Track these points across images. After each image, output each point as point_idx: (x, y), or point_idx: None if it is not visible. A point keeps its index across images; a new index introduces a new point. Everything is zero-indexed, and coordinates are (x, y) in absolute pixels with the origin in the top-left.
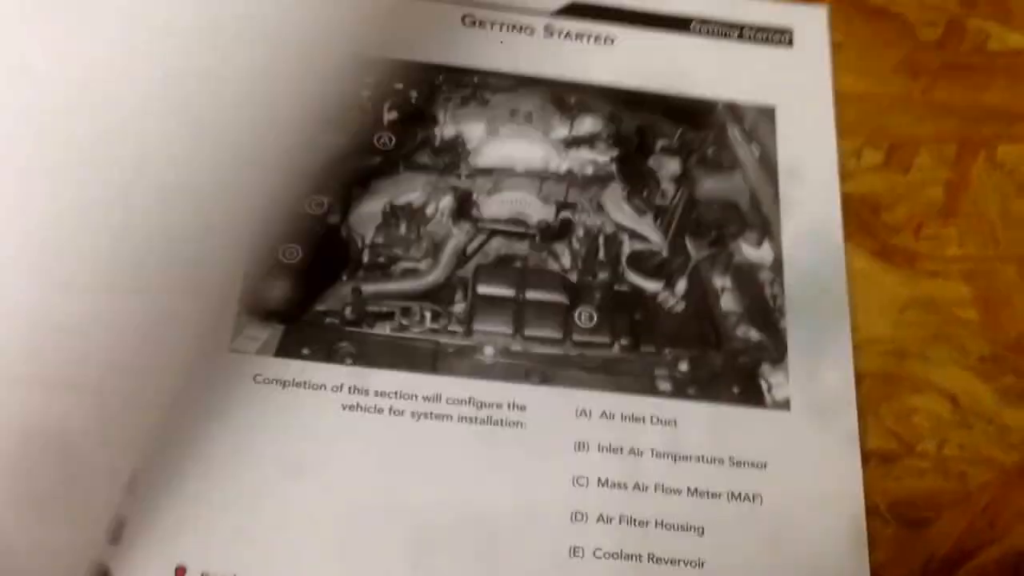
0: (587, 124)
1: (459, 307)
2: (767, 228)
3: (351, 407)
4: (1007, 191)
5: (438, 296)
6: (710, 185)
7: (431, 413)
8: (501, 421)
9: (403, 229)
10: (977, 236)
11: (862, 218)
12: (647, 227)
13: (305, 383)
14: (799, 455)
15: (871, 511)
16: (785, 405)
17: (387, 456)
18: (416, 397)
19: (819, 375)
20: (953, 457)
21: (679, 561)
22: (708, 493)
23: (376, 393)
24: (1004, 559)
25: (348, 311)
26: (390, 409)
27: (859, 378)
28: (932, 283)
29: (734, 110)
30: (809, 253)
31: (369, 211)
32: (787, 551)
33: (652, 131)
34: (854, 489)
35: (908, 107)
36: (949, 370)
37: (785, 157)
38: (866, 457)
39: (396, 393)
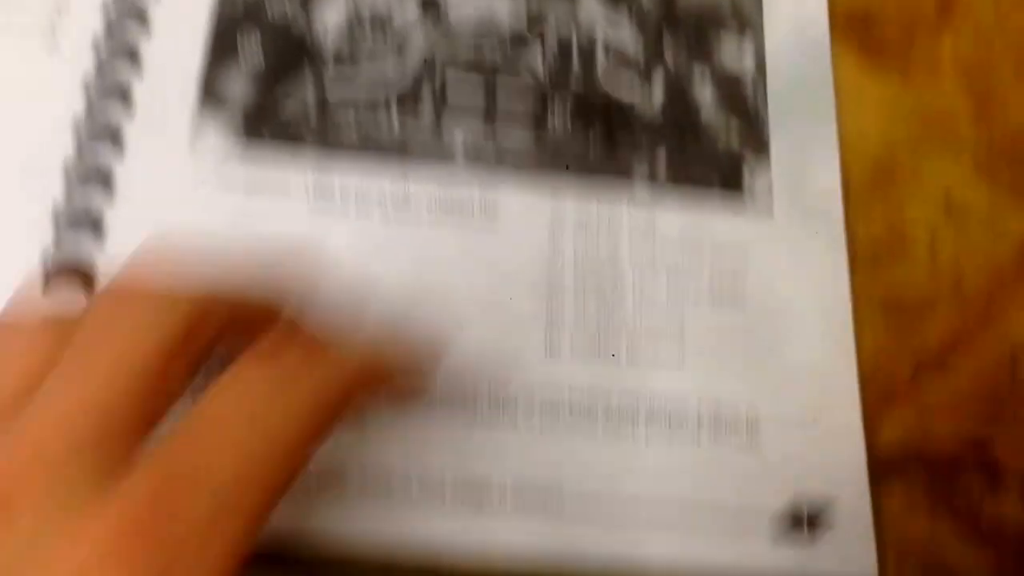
0: None
1: (427, 109)
2: (750, 31)
3: (317, 207)
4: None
5: (404, 102)
6: None
7: (399, 211)
8: (472, 219)
9: (368, 32)
10: (971, 31)
11: (852, 19)
12: (624, 31)
13: (269, 181)
14: (782, 258)
15: (860, 310)
16: (768, 209)
17: (356, 254)
18: (383, 194)
19: (804, 178)
20: (945, 255)
21: (657, 359)
22: (686, 294)
23: (342, 192)
24: (999, 353)
25: (312, 115)
26: (355, 208)
27: (848, 180)
28: (924, 80)
29: None
30: (794, 55)
31: (334, 15)
32: (771, 353)
33: None
34: (840, 288)
35: None
36: (942, 166)
37: None
38: (855, 256)
39: (362, 191)
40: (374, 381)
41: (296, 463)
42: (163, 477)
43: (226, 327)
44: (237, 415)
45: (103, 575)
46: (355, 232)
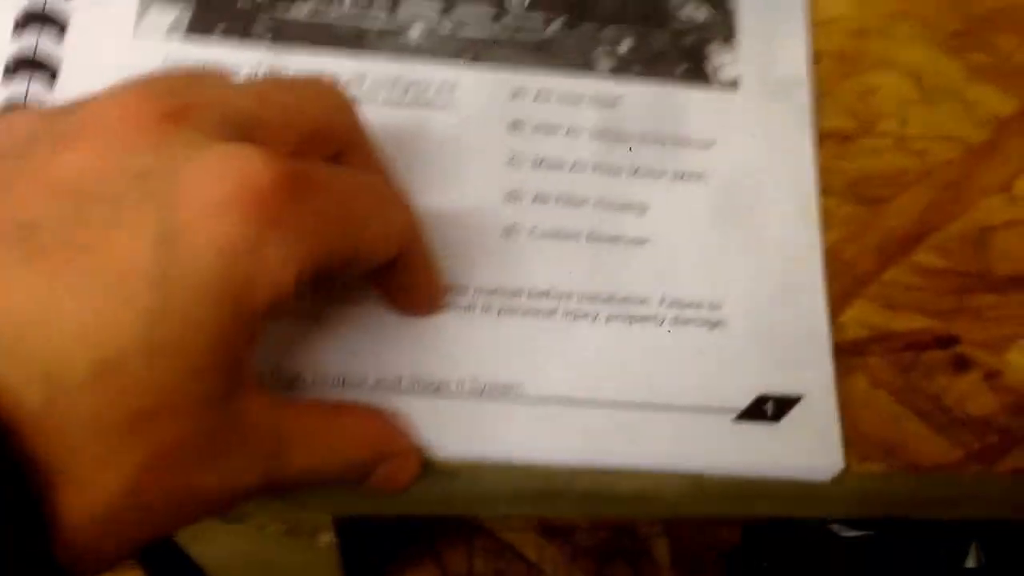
0: None
1: None
2: None
3: None
4: None
5: None
6: None
7: (355, 96)
8: (430, 103)
9: None
10: None
11: None
12: None
13: (219, 66)
14: (747, 134)
15: (827, 190)
16: (733, 85)
17: None
18: (339, 79)
19: (771, 54)
20: (915, 136)
21: (619, 239)
22: (651, 172)
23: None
24: (966, 234)
25: None
26: None
27: (817, 56)
28: None
29: None
30: None
31: None
32: (735, 229)
33: None
34: (806, 167)
35: None
36: (914, 46)
37: None
38: (823, 137)
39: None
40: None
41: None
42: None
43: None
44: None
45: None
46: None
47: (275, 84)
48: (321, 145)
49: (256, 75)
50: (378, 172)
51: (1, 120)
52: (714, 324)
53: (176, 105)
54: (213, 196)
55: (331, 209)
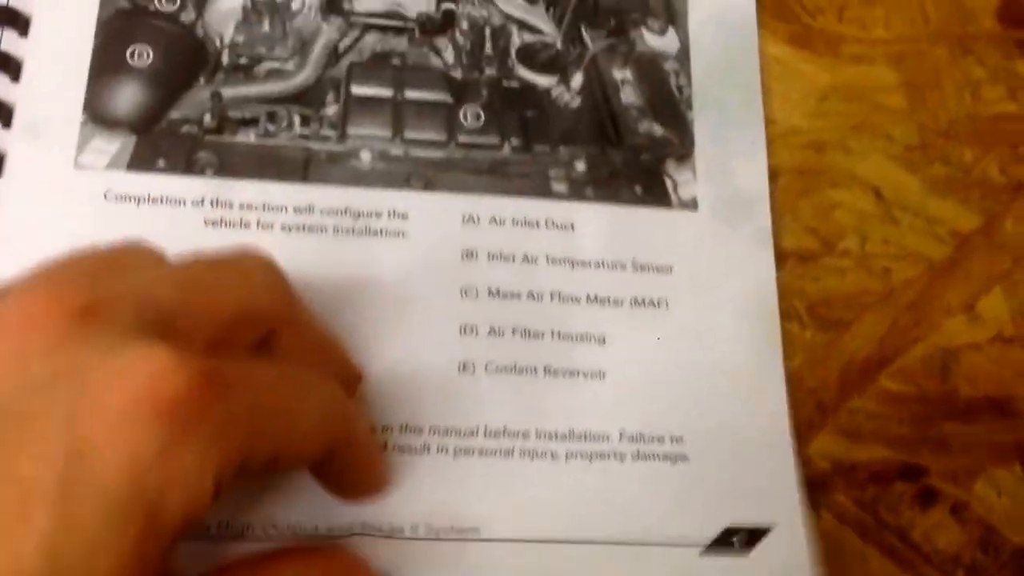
0: None
1: (331, 110)
2: (672, 13)
3: (214, 223)
4: None
5: (308, 99)
6: None
7: (303, 226)
8: (381, 231)
9: (266, 26)
10: (905, 14)
11: (778, 1)
12: (539, 16)
13: (162, 198)
14: (707, 257)
15: (788, 314)
16: (692, 204)
17: None
18: (286, 209)
19: (729, 171)
20: (877, 253)
21: (579, 373)
22: (609, 300)
23: (241, 206)
24: (930, 359)
25: (207, 118)
26: (257, 223)
27: (775, 173)
28: (855, 69)
29: None
30: (718, 39)
31: (227, 7)
32: (696, 358)
33: None
34: (768, 291)
35: None
36: (873, 161)
37: None
38: (783, 257)
39: (264, 205)
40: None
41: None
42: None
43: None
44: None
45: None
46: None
47: (200, 264)
48: (248, 328)
49: (192, 244)
50: (314, 349)
51: None
52: (676, 458)
53: (86, 301)
54: (120, 404)
55: (251, 408)
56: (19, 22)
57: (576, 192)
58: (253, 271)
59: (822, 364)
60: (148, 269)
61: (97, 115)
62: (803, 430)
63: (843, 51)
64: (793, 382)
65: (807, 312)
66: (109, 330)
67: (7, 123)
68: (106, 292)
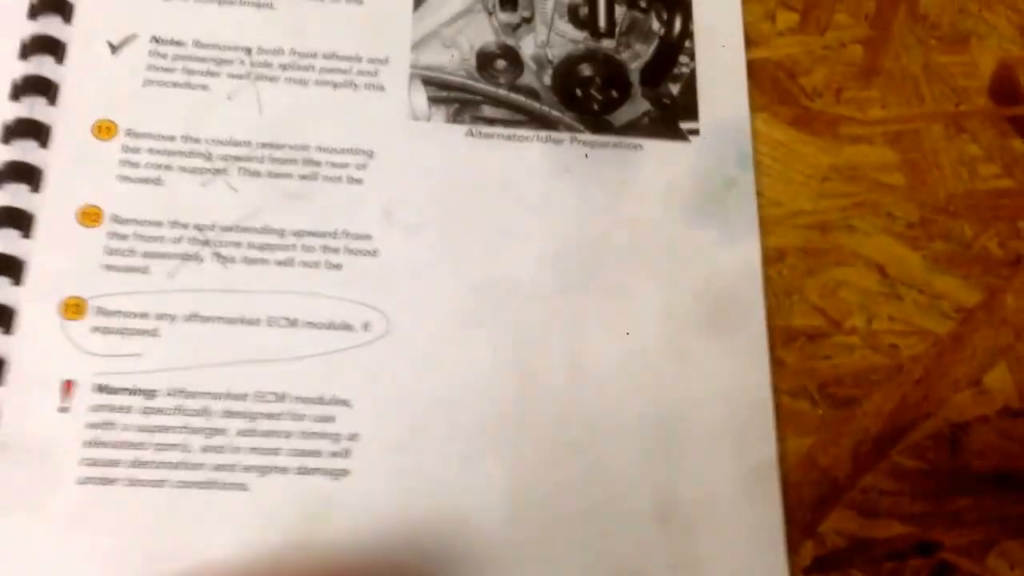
0: None
1: None
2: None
3: None
4: (930, 44)
5: None
6: None
7: None
8: None
9: None
10: (900, 95)
11: (778, 85)
12: None
13: None
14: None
15: (799, 393)
16: None
17: None
18: None
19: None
20: (883, 330)
21: None
22: None
23: None
24: (940, 433)
25: None
26: None
27: (780, 254)
28: (855, 149)
29: None
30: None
31: None
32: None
33: None
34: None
35: None
36: (876, 239)
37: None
38: (792, 337)
39: None
40: None
41: None
42: None
43: None
44: None
45: None
46: None
47: None
48: None
49: None
50: None
51: None
52: None
53: None
54: None
55: None
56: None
57: None
58: None
59: (835, 443)
60: None
61: None
62: (818, 509)
63: (842, 132)
64: (807, 462)
65: (818, 391)
66: None
67: None
68: None
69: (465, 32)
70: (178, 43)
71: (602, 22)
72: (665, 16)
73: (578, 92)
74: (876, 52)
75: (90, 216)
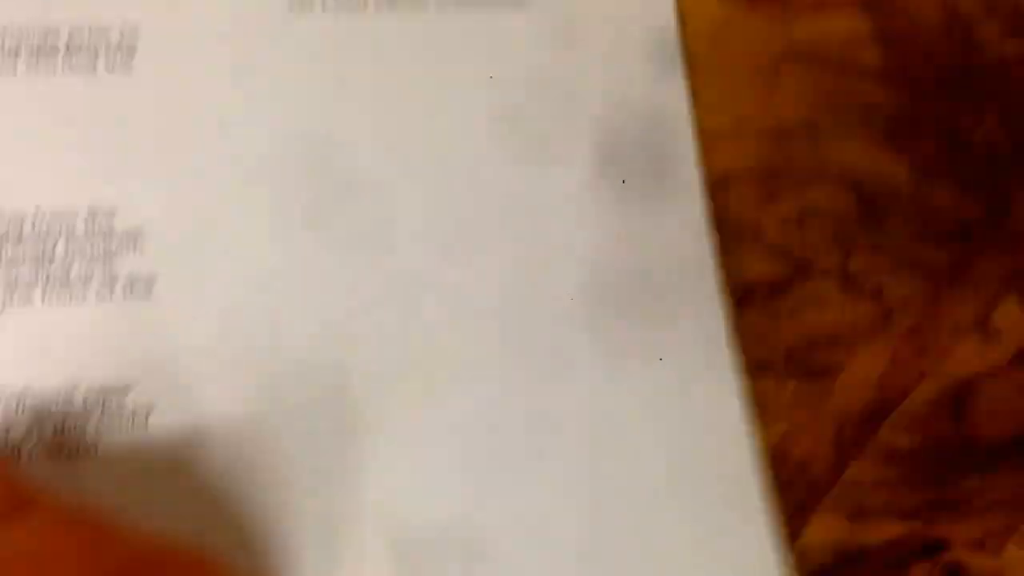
0: None
1: None
2: None
3: None
4: None
5: None
6: None
7: None
8: None
9: None
10: None
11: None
12: None
13: None
14: None
15: (763, 367)
16: None
17: None
18: None
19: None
20: (864, 270)
21: None
22: None
23: None
24: (941, 397)
25: None
26: None
27: (724, 181)
28: (815, 21)
29: None
30: None
31: None
32: None
33: None
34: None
35: None
36: (849, 146)
37: None
38: (749, 292)
39: None
40: None
41: None
42: None
43: None
44: None
45: None
46: None
47: None
48: None
49: None
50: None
51: None
52: None
53: None
54: None
55: None
56: None
57: None
58: None
59: (811, 427)
60: None
61: None
62: (796, 516)
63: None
64: (777, 456)
65: (785, 361)
66: None
67: None
68: None
69: None
70: None
71: None
72: None
73: None
74: None
75: None
